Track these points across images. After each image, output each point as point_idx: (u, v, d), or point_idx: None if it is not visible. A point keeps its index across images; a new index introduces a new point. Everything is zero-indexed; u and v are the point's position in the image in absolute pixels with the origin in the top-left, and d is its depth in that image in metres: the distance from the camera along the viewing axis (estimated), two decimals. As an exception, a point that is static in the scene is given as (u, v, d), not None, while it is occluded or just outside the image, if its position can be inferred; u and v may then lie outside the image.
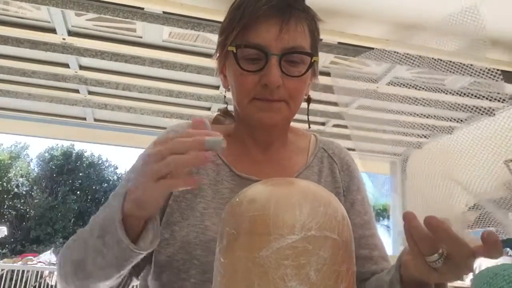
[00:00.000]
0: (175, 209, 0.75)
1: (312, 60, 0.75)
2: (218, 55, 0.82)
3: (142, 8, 2.00)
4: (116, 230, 0.60)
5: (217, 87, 2.74)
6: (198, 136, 0.57)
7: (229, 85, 0.81)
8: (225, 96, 0.86)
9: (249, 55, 0.73)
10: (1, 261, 6.57)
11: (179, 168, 0.57)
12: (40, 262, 6.35)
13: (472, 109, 2.89)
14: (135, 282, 0.80)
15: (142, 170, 0.58)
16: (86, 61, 2.54)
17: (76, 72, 2.63)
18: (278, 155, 0.83)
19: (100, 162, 22.28)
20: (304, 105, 0.83)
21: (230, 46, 0.74)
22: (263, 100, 0.73)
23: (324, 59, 2.35)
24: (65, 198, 19.76)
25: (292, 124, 0.86)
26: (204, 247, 0.71)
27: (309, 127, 0.90)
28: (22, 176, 20.43)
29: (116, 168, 23.19)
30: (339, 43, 2.21)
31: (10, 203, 19.41)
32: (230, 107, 0.88)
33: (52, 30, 2.18)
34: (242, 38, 0.73)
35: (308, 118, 0.88)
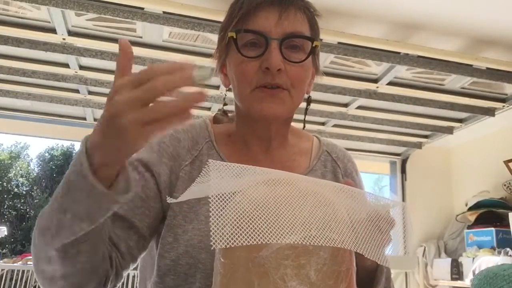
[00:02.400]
0: (177, 212, 0.74)
1: (313, 45, 0.75)
2: (218, 52, 0.81)
3: (142, 8, 1.99)
4: (86, 180, 0.52)
5: (217, 87, 2.73)
6: (184, 71, 0.47)
7: (229, 84, 0.80)
8: (225, 95, 0.85)
9: (249, 41, 0.74)
10: (1, 261, 6.56)
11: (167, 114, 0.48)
12: (40, 262, 6.34)
13: (472, 109, 2.89)
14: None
15: (119, 114, 0.49)
16: (86, 61, 2.54)
17: (76, 72, 2.62)
18: (280, 156, 0.82)
19: (100, 162, 22.25)
20: (303, 105, 0.83)
21: (230, 32, 0.74)
22: (264, 89, 0.73)
23: (324, 59, 2.35)
24: (65, 198, 19.74)
25: (293, 124, 0.86)
26: (208, 251, 0.70)
27: (304, 127, 0.90)
28: (22, 176, 20.42)
29: (116, 168, 23.16)
30: (339, 43, 2.21)
31: (10, 203, 19.39)
32: (231, 107, 0.87)
33: (52, 30, 2.18)
34: (242, 25, 0.74)
35: (304, 118, 0.88)
